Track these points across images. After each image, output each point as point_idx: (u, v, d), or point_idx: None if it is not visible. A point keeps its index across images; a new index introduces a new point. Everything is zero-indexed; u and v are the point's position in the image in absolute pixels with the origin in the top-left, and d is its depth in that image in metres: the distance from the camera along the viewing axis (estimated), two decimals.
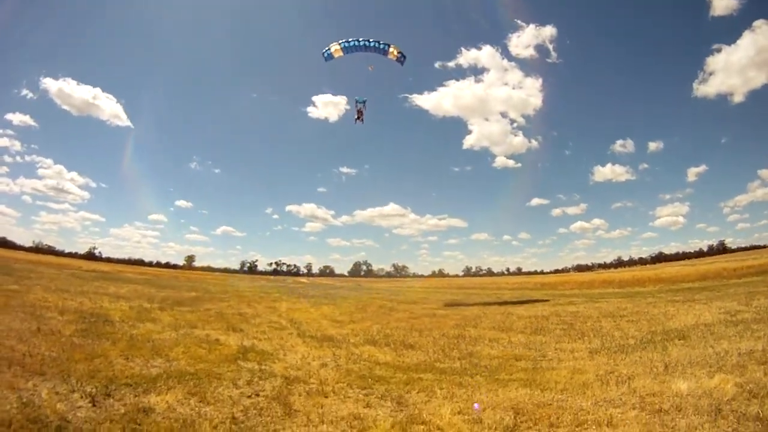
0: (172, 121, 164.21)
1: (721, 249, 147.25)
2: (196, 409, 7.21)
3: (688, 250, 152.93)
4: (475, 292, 51.75)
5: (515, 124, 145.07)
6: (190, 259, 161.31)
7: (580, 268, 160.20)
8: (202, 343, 12.87)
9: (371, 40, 30.90)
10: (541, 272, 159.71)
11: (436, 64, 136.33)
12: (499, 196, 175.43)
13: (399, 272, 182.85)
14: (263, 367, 10.56)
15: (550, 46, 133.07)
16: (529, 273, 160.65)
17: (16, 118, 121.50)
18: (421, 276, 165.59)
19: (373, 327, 18.75)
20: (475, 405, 7.12)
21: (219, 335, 14.42)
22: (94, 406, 6.81)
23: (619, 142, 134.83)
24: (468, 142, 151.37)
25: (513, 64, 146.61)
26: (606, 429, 6.69)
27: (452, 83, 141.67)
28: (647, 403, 7.65)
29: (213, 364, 10.37)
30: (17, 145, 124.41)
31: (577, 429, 6.77)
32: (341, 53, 30.76)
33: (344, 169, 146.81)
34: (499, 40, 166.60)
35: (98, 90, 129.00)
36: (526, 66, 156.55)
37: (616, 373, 9.79)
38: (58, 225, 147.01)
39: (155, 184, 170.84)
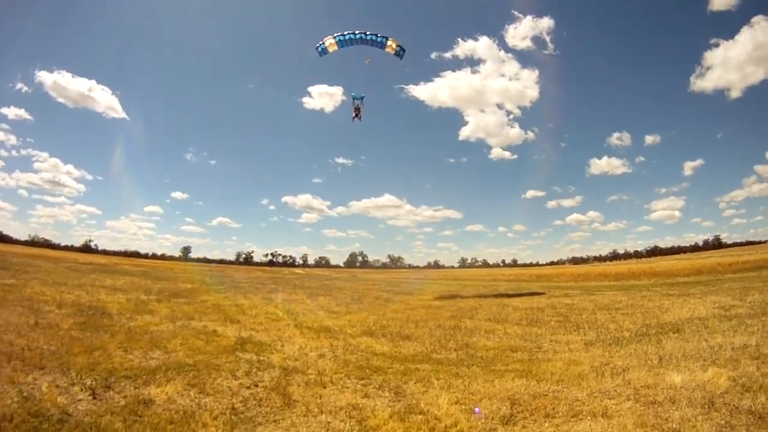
0: (167, 113, 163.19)
1: (717, 244, 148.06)
2: (196, 400, 7.27)
3: (683, 245, 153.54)
4: (470, 284, 51.86)
5: (511, 116, 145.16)
6: (186, 250, 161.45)
7: (575, 261, 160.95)
8: (199, 334, 12.92)
9: (368, 32, 29.74)
10: (537, 264, 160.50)
11: (433, 55, 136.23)
12: (494, 188, 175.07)
13: (394, 263, 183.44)
14: (261, 358, 10.62)
15: (548, 38, 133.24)
16: (525, 265, 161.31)
17: (11, 112, 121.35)
18: (417, 267, 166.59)
19: (369, 318, 18.85)
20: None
21: (216, 326, 14.47)
22: (94, 398, 6.86)
23: (616, 134, 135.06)
24: (464, 133, 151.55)
25: (510, 55, 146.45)
26: (601, 420, 6.78)
27: (448, 74, 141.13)
28: (641, 394, 7.75)
29: (211, 355, 10.43)
30: (12, 140, 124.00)
31: (572, 419, 6.86)
32: (336, 47, 29.68)
33: (340, 160, 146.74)
34: (496, 31, 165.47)
35: (93, 82, 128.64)
36: (523, 57, 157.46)
37: (611, 365, 9.90)
38: (54, 218, 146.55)
39: (151, 176, 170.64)
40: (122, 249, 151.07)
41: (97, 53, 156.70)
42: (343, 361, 10.74)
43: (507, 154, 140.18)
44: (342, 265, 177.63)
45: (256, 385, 8.36)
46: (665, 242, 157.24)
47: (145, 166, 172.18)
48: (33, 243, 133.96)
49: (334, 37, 29.33)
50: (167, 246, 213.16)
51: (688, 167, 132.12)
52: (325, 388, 8.47)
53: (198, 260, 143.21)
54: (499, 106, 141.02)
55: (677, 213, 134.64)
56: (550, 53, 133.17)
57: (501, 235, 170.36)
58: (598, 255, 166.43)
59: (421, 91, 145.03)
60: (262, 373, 9.18)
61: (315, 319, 17.99)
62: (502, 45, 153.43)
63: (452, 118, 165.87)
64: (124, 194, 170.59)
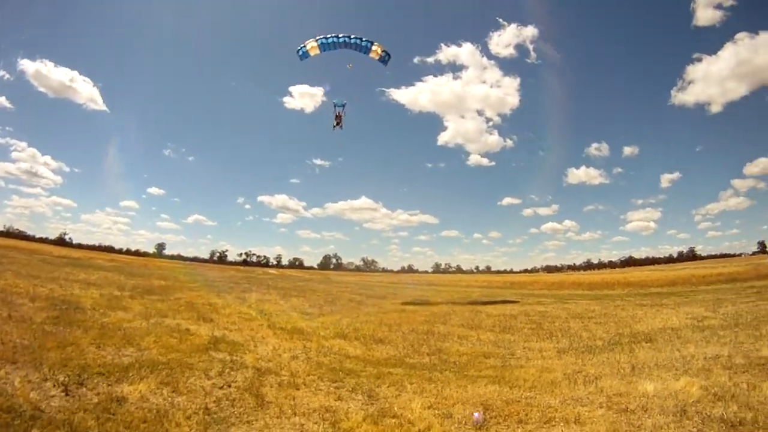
0: (148, 107, 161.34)
1: (691, 256, 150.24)
2: (169, 399, 7.26)
3: (657, 256, 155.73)
4: (444, 289, 52.13)
5: (491, 123, 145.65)
6: (160, 247, 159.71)
7: (549, 269, 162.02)
8: (173, 332, 12.83)
9: (352, 36, 28.29)
10: (511, 271, 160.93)
11: (415, 59, 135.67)
12: (471, 194, 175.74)
13: (368, 266, 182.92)
14: (234, 358, 10.61)
15: (531, 47, 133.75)
16: (499, 272, 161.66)
17: None
18: (391, 271, 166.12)
19: (342, 320, 18.91)
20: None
21: (189, 325, 14.38)
22: (67, 395, 6.79)
23: (595, 145, 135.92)
24: (443, 138, 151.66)
25: (492, 62, 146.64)
26: (574, 426, 6.95)
27: (430, 79, 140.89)
28: (614, 402, 7.94)
29: (184, 354, 10.38)
30: None
31: (545, 426, 7.02)
32: (318, 51, 28.39)
33: (318, 161, 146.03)
34: (479, 38, 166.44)
35: (75, 73, 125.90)
36: (506, 65, 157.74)
37: (584, 373, 10.11)
38: (30, 209, 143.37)
39: (128, 171, 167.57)
40: (96, 243, 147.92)
41: (80, 44, 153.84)
42: (316, 363, 10.79)
43: (485, 161, 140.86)
44: (316, 266, 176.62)
45: (229, 386, 8.37)
46: (640, 253, 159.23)
47: (122, 160, 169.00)
48: (7, 234, 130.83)
49: (317, 40, 28.21)
50: (142, 242, 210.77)
51: (666, 179, 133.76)
52: (298, 389, 8.52)
53: (172, 257, 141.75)
54: (479, 113, 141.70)
55: (653, 224, 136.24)
56: (532, 62, 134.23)
57: (476, 241, 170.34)
58: (572, 264, 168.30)
59: (402, 95, 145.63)
60: (235, 374, 9.18)
61: (288, 320, 18.00)
62: (485, 52, 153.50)
63: (432, 122, 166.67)
64: (101, 188, 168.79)
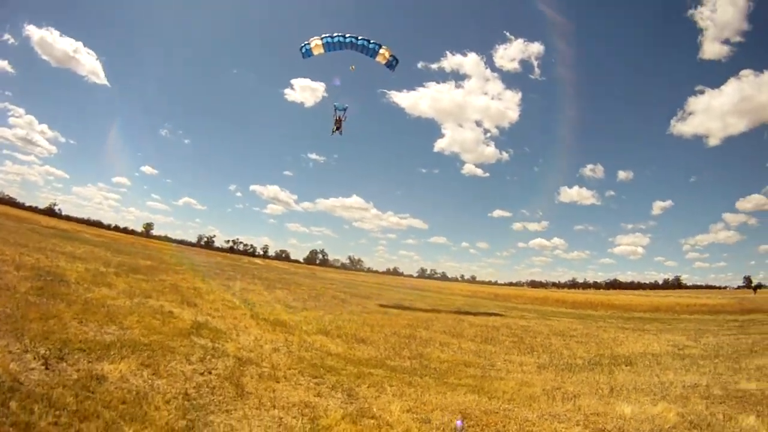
0: (148, 86, 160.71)
1: (676, 284, 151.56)
2: (149, 381, 7.21)
3: (643, 281, 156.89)
4: (428, 295, 52.18)
5: (489, 134, 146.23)
6: (149, 226, 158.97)
7: (534, 284, 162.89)
8: (156, 314, 12.77)
9: (359, 37, 26.76)
10: (495, 283, 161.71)
11: (419, 64, 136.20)
12: (462, 203, 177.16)
13: (354, 265, 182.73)
14: (216, 345, 10.57)
15: (536, 63, 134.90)
16: (483, 282, 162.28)
17: None
18: (376, 272, 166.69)
19: (325, 317, 18.88)
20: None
21: (173, 308, 14.32)
22: (47, 369, 6.73)
23: (590, 166, 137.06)
24: (439, 145, 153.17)
25: (496, 75, 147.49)
26: None
27: (432, 85, 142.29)
28: (591, 421, 8.01)
29: (166, 336, 10.33)
30: None
31: None
32: (322, 50, 26.92)
33: (313, 156, 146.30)
34: (485, 49, 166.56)
35: (80, 44, 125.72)
36: (509, 79, 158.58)
37: (563, 390, 10.19)
38: (22, 177, 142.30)
39: (123, 147, 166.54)
40: (86, 217, 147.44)
41: (88, 15, 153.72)
42: (298, 358, 10.77)
43: (479, 171, 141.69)
44: (302, 260, 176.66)
45: (210, 372, 8.34)
46: (626, 276, 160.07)
47: (118, 136, 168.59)
48: None
49: (321, 39, 26.79)
50: (131, 219, 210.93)
51: (657, 207, 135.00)
52: (278, 382, 8.50)
53: (159, 238, 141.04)
54: (478, 123, 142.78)
55: (641, 249, 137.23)
56: (536, 78, 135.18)
57: (463, 250, 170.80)
58: (557, 281, 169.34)
59: (402, 99, 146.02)
60: (216, 361, 9.15)
61: (271, 312, 17.96)
62: (490, 64, 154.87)
63: (430, 128, 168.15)
64: (95, 162, 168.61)
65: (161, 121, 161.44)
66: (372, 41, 26.90)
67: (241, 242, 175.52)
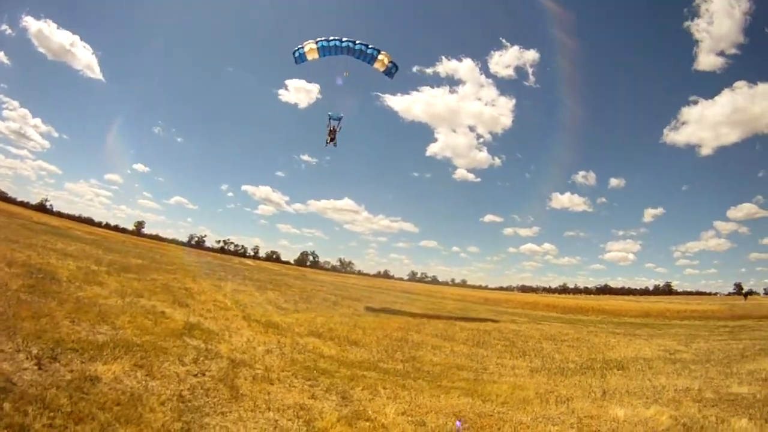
0: (143, 83, 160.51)
1: (667, 290, 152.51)
2: (143, 382, 7.17)
3: (633, 287, 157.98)
4: (419, 298, 52.07)
5: (481, 140, 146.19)
6: (140, 224, 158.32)
7: (524, 289, 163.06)
8: (148, 314, 12.71)
9: (357, 42, 25.05)
10: (486, 287, 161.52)
11: (414, 68, 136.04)
12: (454, 207, 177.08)
13: (345, 267, 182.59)
14: (209, 346, 10.53)
15: (530, 70, 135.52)
16: (474, 287, 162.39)
17: None
18: (366, 275, 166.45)
19: (317, 319, 18.82)
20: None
21: (165, 308, 14.25)
22: (39, 369, 6.66)
23: (582, 173, 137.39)
24: (432, 149, 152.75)
25: (490, 81, 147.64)
26: None
27: (426, 89, 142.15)
28: (585, 424, 8.05)
29: (159, 337, 10.27)
30: None
31: None
32: (316, 55, 25.23)
33: (305, 157, 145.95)
34: (480, 55, 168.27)
35: (77, 38, 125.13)
36: (503, 85, 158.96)
37: (556, 393, 10.23)
38: (14, 171, 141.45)
39: (116, 144, 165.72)
40: (77, 213, 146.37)
41: (86, 9, 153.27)
42: (291, 360, 10.74)
43: (471, 176, 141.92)
44: (292, 262, 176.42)
45: (204, 374, 8.31)
46: (616, 282, 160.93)
47: (112, 133, 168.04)
48: None
49: (316, 43, 25.08)
50: (122, 217, 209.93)
51: (649, 214, 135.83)
52: (272, 384, 8.48)
53: (151, 237, 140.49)
54: (471, 129, 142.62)
55: (631, 256, 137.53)
56: (530, 85, 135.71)
57: (454, 254, 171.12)
58: (547, 286, 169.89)
59: (396, 102, 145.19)
60: (209, 362, 9.12)
61: (263, 313, 17.92)
62: (485, 70, 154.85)
63: (423, 133, 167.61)
64: (87, 158, 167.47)
65: (155, 118, 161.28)
66: (370, 46, 25.30)
67: (231, 243, 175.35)
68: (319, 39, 25.03)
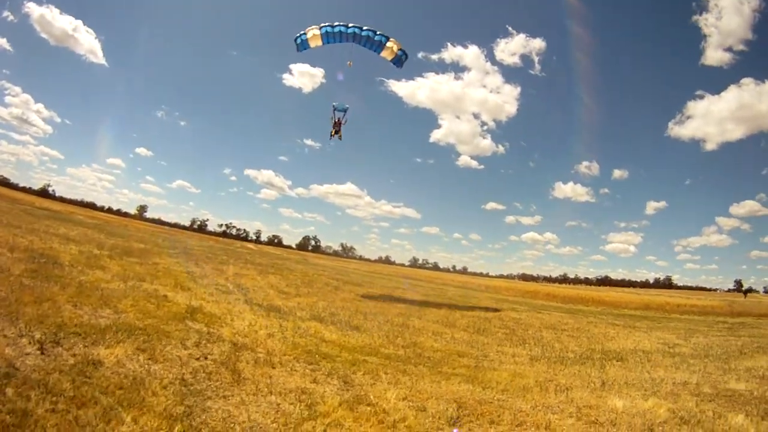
0: (146, 67, 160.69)
1: (667, 284, 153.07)
2: (146, 366, 7.18)
3: (634, 279, 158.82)
4: (420, 284, 52.30)
5: (485, 127, 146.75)
6: (142, 209, 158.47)
7: (525, 278, 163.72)
8: (150, 297, 12.76)
9: (364, 28, 23.18)
10: (487, 275, 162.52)
11: (420, 54, 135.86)
12: (456, 194, 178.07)
13: (346, 252, 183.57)
14: (211, 330, 10.56)
15: (536, 59, 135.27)
16: (474, 274, 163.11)
17: None
18: (368, 260, 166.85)
19: (319, 303, 18.89)
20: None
21: (167, 291, 14.32)
22: (42, 353, 6.67)
23: (585, 163, 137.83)
24: (435, 135, 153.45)
25: (496, 68, 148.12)
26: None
27: (431, 76, 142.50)
28: (584, 413, 8.05)
29: (161, 320, 10.31)
30: None
31: (516, 428, 7.10)
32: (320, 42, 23.49)
33: (308, 142, 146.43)
34: (486, 42, 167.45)
35: (80, 23, 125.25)
36: (508, 73, 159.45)
37: (555, 382, 10.24)
38: (17, 157, 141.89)
39: (119, 128, 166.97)
40: (79, 198, 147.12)
41: None
42: (292, 344, 10.76)
43: (474, 163, 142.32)
44: (294, 246, 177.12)
45: (206, 358, 8.33)
46: (617, 274, 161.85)
47: (114, 117, 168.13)
48: None
49: (320, 28, 23.32)
50: (124, 201, 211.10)
51: (651, 206, 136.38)
52: (274, 368, 8.50)
53: (153, 221, 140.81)
54: (475, 116, 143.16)
55: (632, 248, 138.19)
56: (535, 73, 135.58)
57: (456, 241, 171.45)
58: (548, 276, 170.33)
59: (400, 88, 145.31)
60: (211, 346, 9.14)
61: (265, 297, 17.99)
62: (490, 57, 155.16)
63: (427, 119, 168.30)
64: (90, 142, 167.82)
65: (158, 102, 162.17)
66: (378, 32, 23.49)
67: (234, 227, 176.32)
68: (323, 24, 23.44)
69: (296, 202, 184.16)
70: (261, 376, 7.86)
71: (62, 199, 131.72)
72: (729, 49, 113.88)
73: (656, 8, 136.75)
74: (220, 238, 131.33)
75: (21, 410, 4.95)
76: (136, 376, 6.66)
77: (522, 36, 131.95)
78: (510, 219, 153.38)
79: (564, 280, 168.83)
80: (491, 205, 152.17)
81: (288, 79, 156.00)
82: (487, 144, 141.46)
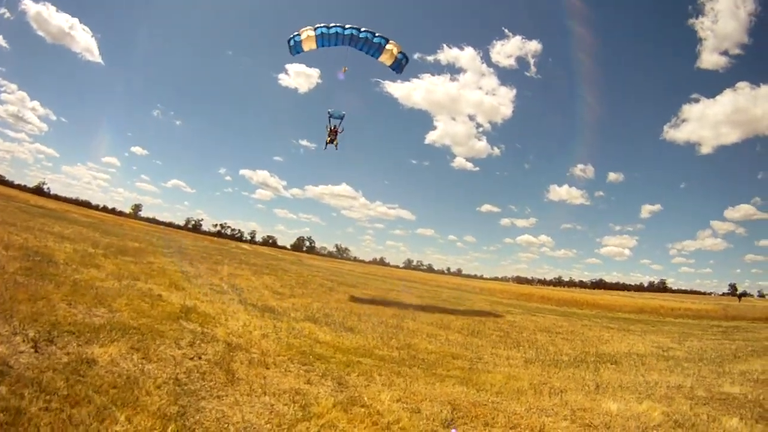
0: (142, 65, 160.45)
1: (662, 287, 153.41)
2: (140, 365, 7.16)
3: (628, 282, 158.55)
4: (414, 286, 52.31)
5: (481, 129, 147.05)
6: (137, 207, 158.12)
7: (519, 280, 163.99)
8: (144, 297, 12.72)
9: (362, 29, 22.01)
10: (481, 277, 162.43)
11: (416, 56, 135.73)
12: (451, 196, 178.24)
13: (341, 254, 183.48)
14: (205, 330, 10.54)
15: (532, 61, 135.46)
16: (469, 276, 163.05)
17: None
18: (362, 261, 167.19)
19: (313, 304, 18.85)
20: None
21: (161, 291, 14.27)
22: (36, 352, 6.65)
23: (580, 166, 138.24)
24: (431, 137, 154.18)
25: (491, 70, 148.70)
26: None
27: (427, 77, 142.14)
28: (578, 416, 8.10)
29: (155, 320, 10.28)
30: None
31: (510, 431, 7.13)
32: (314, 45, 22.35)
33: (303, 142, 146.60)
34: (482, 44, 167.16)
35: (76, 20, 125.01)
36: (504, 75, 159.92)
37: (549, 385, 10.27)
38: (12, 154, 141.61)
39: (114, 127, 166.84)
40: (74, 197, 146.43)
41: None
42: (287, 344, 10.75)
43: (470, 165, 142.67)
44: (288, 247, 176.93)
45: (200, 357, 8.31)
46: (611, 277, 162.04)
47: (110, 116, 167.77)
48: None
49: (315, 30, 22.08)
50: (119, 200, 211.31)
51: (646, 210, 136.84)
52: (268, 369, 8.49)
53: (147, 220, 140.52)
54: (471, 117, 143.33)
55: (627, 251, 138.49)
56: (531, 75, 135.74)
57: (450, 243, 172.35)
58: (543, 278, 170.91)
59: (396, 89, 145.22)
60: (206, 346, 9.12)
61: (259, 298, 17.95)
62: (486, 59, 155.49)
63: (422, 120, 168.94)
64: (85, 141, 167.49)
65: (153, 101, 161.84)
66: (377, 34, 22.24)
67: (228, 227, 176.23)
68: (318, 25, 22.29)
69: (291, 203, 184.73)
70: (255, 376, 7.85)
71: (57, 197, 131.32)
72: (725, 53, 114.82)
73: (652, 11, 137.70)
74: (215, 238, 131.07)
75: (14, 408, 4.94)
76: (130, 375, 6.64)
77: (518, 38, 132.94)
78: (505, 221, 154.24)
79: (558, 282, 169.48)
80: (486, 207, 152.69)
81: (284, 80, 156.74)
82: (482, 146, 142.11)
